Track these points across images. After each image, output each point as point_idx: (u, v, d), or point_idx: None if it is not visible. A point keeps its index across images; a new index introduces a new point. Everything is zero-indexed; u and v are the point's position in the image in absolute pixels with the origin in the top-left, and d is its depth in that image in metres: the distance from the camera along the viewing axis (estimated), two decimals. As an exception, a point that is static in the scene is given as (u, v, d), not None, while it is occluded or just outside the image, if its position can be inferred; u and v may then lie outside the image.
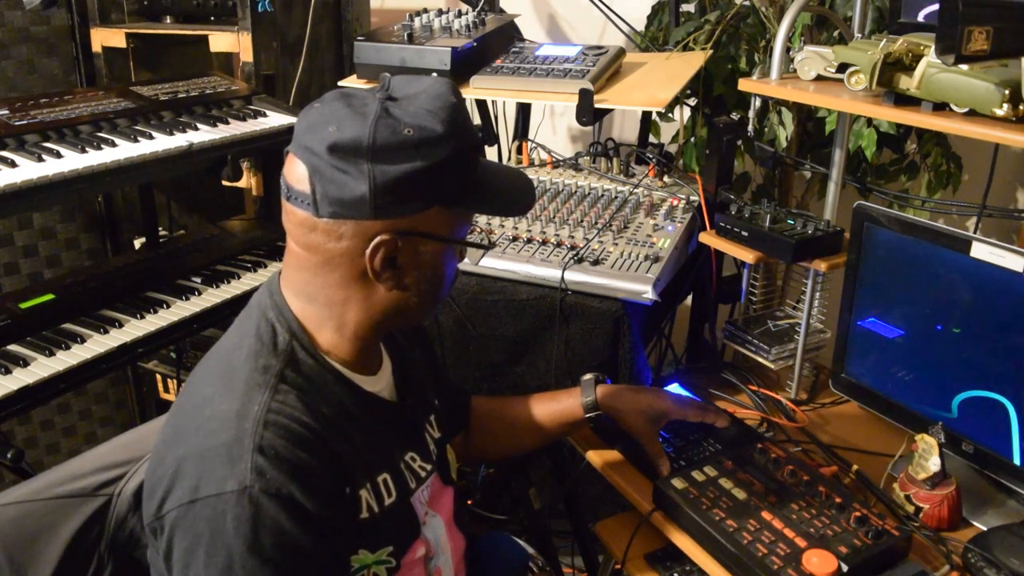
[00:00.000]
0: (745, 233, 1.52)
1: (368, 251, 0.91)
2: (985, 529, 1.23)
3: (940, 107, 1.23)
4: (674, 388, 1.54)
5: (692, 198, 1.75)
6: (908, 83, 1.24)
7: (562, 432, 1.38)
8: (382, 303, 0.97)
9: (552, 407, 1.34)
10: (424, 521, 1.08)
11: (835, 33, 1.84)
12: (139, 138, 1.71)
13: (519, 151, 2.01)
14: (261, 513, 0.83)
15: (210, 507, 0.83)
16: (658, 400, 1.34)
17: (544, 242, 1.63)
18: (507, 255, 1.60)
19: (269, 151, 2.00)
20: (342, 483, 0.93)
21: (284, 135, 1.91)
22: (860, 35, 1.56)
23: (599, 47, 1.84)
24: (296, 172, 0.91)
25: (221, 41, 2.08)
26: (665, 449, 1.34)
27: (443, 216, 0.94)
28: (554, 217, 1.72)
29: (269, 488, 0.84)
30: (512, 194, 1.04)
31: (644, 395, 1.35)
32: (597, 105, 1.65)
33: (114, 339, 1.64)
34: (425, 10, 1.97)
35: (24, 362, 1.52)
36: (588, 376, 1.35)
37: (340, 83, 1.89)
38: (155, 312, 1.73)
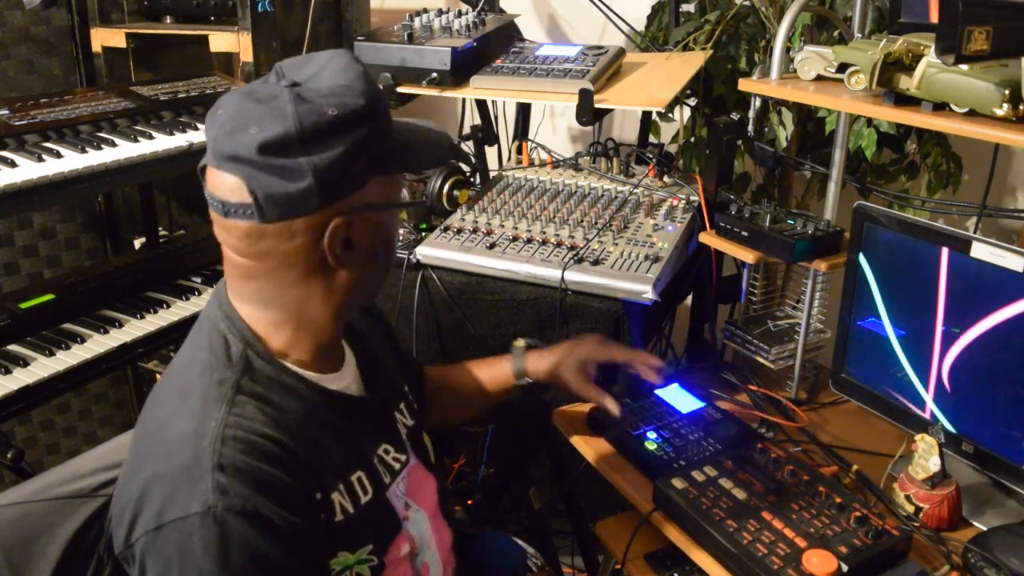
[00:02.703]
0: (745, 233, 1.52)
1: (326, 240, 0.89)
2: (985, 529, 1.23)
3: (940, 107, 1.23)
4: (674, 388, 1.54)
5: (692, 198, 1.75)
6: (908, 83, 1.24)
7: (504, 396, 1.39)
8: (343, 287, 0.95)
9: (491, 373, 1.36)
10: (407, 516, 1.07)
11: (835, 33, 1.84)
12: (139, 138, 1.71)
13: (519, 151, 2.01)
14: (228, 532, 0.82)
15: (177, 531, 0.82)
16: (577, 349, 1.35)
17: (544, 242, 1.63)
18: (507, 255, 1.60)
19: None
20: (311, 489, 0.91)
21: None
22: (860, 35, 1.56)
23: (599, 47, 1.84)
24: (228, 185, 0.87)
25: (221, 41, 2.08)
26: (665, 449, 1.34)
27: (382, 184, 0.93)
28: (554, 217, 1.72)
29: (233, 506, 0.82)
30: (434, 145, 1.03)
31: (563, 349, 1.36)
32: (597, 105, 1.65)
33: (114, 339, 1.64)
34: (425, 10, 1.97)
35: (24, 362, 1.52)
36: (520, 343, 1.37)
37: (340, 83, 1.88)
38: (155, 312, 1.74)
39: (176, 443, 0.86)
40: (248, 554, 0.83)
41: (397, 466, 1.07)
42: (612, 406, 1.31)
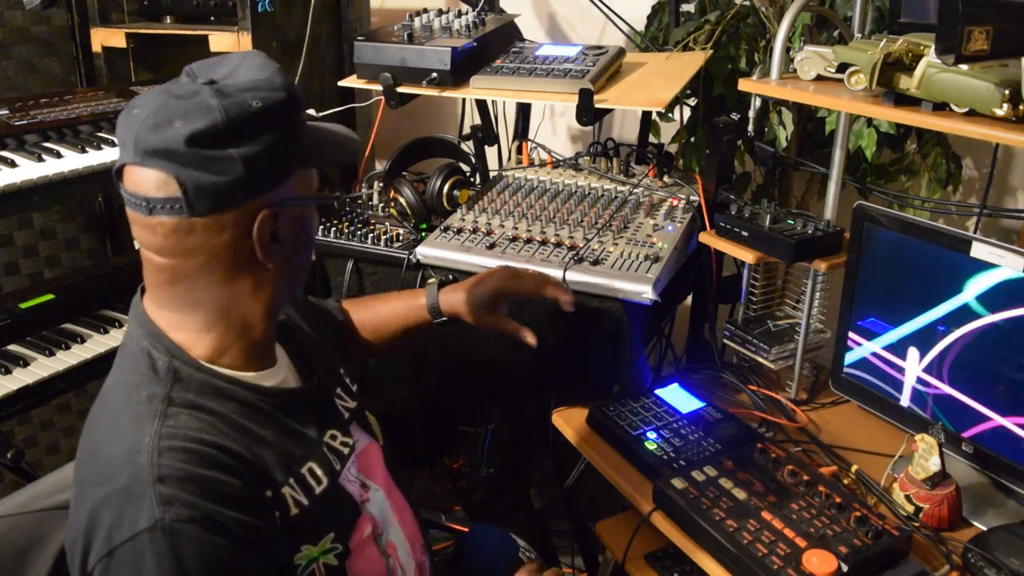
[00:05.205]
0: (745, 233, 1.52)
1: (255, 232, 0.89)
2: (985, 529, 1.23)
3: (940, 107, 1.23)
4: (674, 388, 1.54)
5: (692, 198, 1.75)
6: (908, 83, 1.24)
7: (421, 331, 1.40)
8: (271, 283, 0.95)
9: (407, 311, 1.37)
10: (367, 498, 1.07)
11: (835, 33, 1.84)
12: (139, 138, 1.71)
13: (519, 151, 2.01)
14: (179, 542, 0.81)
15: (129, 551, 0.81)
16: (486, 282, 1.35)
17: (544, 242, 1.63)
18: (507, 255, 1.60)
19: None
20: (260, 489, 0.90)
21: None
22: (860, 35, 1.56)
23: (599, 47, 1.84)
24: (152, 180, 0.86)
25: (221, 41, 2.08)
26: (665, 449, 1.34)
27: (303, 177, 0.95)
28: (554, 217, 1.72)
29: (181, 515, 0.81)
30: (342, 140, 1.04)
31: (474, 288, 1.35)
32: (597, 105, 1.65)
33: (114, 339, 1.64)
34: (425, 10, 1.96)
35: (24, 362, 1.52)
36: (432, 280, 1.39)
37: (340, 83, 1.89)
38: (155, 312, 1.73)
39: (113, 465, 0.86)
40: (202, 560, 0.82)
41: (345, 451, 1.06)
42: (530, 338, 1.32)
